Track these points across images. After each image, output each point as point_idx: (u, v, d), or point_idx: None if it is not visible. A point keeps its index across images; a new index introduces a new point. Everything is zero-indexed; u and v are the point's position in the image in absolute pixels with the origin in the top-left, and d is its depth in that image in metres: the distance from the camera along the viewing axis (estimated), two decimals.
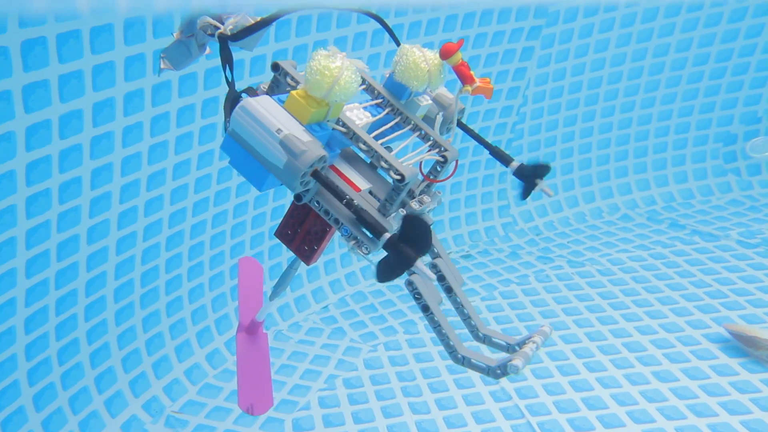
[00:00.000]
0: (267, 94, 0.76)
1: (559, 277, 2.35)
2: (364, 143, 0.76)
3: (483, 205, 2.70)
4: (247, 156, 0.69)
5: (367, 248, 0.72)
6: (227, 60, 0.81)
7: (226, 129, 0.72)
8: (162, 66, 0.89)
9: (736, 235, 2.43)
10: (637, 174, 2.83)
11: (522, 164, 0.90)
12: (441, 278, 0.85)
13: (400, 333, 2.10)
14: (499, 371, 0.75)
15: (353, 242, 0.73)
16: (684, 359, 1.86)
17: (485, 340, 0.83)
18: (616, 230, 2.63)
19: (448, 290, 0.84)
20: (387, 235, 0.68)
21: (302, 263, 0.85)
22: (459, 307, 0.85)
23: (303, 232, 0.83)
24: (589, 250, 2.50)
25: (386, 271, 0.67)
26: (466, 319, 0.83)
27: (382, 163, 0.75)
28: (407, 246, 0.66)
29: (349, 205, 0.70)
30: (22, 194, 1.30)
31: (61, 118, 1.32)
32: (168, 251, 1.77)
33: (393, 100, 0.86)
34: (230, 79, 0.79)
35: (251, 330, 1.07)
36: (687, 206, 2.74)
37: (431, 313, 0.78)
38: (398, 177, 0.74)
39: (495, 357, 0.77)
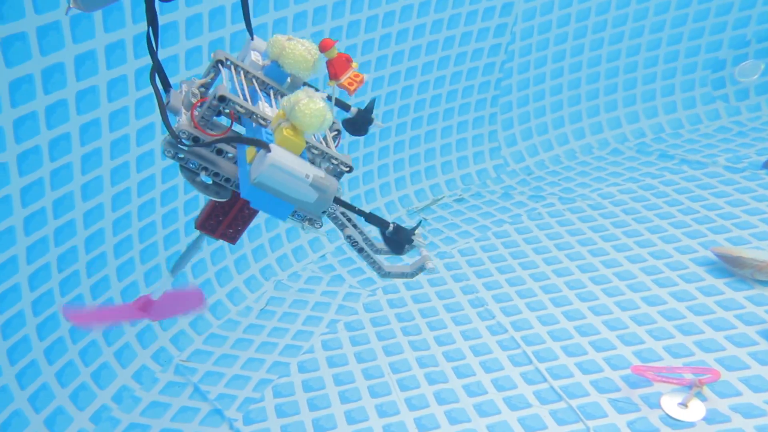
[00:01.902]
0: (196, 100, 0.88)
1: (551, 214, 2.39)
2: (316, 149, 0.90)
3: (474, 148, 2.70)
4: (271, 197, 0.82)
5: (319, 224, 0.92)
6: (152, 21, 0.87)
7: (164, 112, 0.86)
8: (71, 5, 0.84)
9: (724, 161, 2.45)
10: (626, 107, 2.81)
11: (359, 108, 1.06)
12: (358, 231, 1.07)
13: None
14: (417, 271, 1.04)
15: (306, 222, 0.91)
16: (672, 283, 1.92)
17: (388, 275, 1.06)
18: (606, 165, 2.65)
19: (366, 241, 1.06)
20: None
21: (204, 243, 1.04)
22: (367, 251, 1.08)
23: (229, 218, 0.99)
24: (580, 186, 2.52)
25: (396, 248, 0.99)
26: (373, 261, 1.05)
27: (333, 161, 0.90)
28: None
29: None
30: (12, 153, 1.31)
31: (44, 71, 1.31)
32: (163, 207, 1.79)
33: (278, 86, 0.97)
34: (155, 50, 0.87)
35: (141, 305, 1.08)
36: (676, 136, 2.75)
37: (365, 251, 1.02)
38: (347, 169, 0.92)
39: (408, 265, 1.05)
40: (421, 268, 1.03)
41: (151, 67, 0.89)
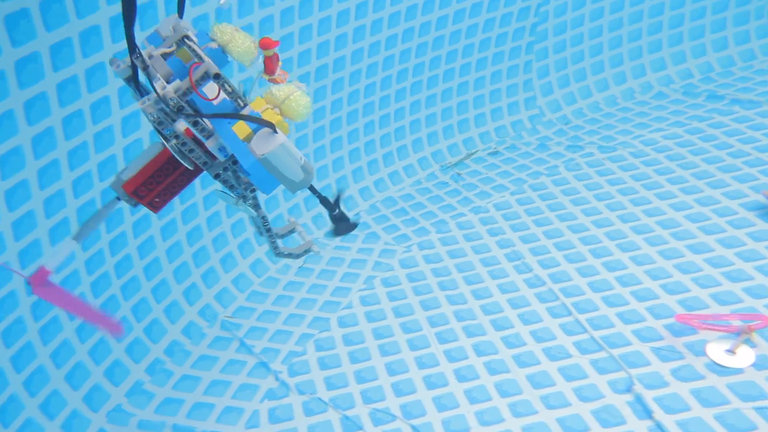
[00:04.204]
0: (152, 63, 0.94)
1: (590, 164, 2.31)
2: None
3: (508, 99, 2.62)
4: (265, 172, 0.94)
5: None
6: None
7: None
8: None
9: None
10: (671, 47, 2.64)
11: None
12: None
13: (432, 233, 2.15)
14: (302, 254, 1.29)
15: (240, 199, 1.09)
16: (719, 230, 1.84)
17: (281, 254, 1.27)
18: (649, 110, 2.52)
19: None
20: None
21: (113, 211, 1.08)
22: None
23: (161, 187, 1.05)
24: (621, 134, 2.42)
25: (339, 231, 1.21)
26: (274, 241, 1.25)
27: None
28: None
29: None
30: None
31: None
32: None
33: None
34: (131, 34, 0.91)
35: (43, 281, 1.04)
36: (726, 75, 2.58)
37: (271, 231, 1.21)
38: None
39: (296, 248, 1.29)
40: (307, 251, 1.29)
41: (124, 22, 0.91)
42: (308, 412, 1.53)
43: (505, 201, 2.24)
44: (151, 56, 0.94)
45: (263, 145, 0.92)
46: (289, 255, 1.29)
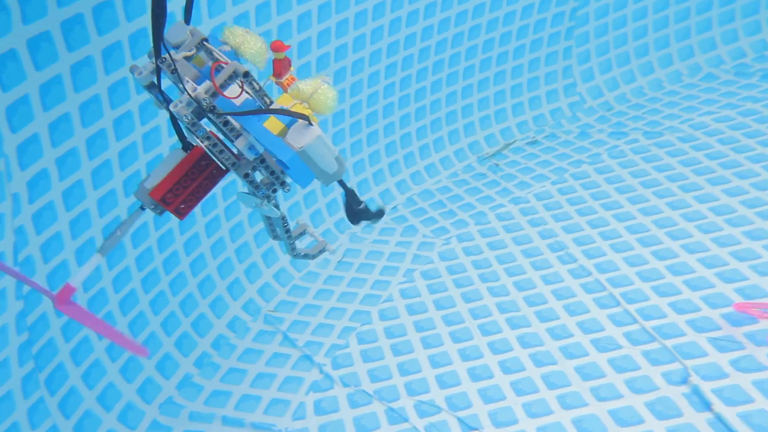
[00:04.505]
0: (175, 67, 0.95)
1: (635, 150, 2.23)
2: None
3: (547, 87, 2.55)
4: (303, 165, 0.95)
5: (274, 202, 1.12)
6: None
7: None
8: None
9: None
10: (722, 25, 2.52)
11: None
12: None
13: (471, 225, 2.12)
14: (318, 253, 1.32)
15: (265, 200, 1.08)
16: None
17: (297, 255, 1.31)
18: (698, 93, 2.42)
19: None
20: None
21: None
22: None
23: (187, 192, 1.05)
24: (668, 119, 2.33)
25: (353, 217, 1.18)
26: (293, 243, 1.28)
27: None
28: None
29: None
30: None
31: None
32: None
33: None
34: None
35: (68, 298, 1.01)
36: None
37: (290, 232, 1.23)
38: None
39: (311, 248, 1.33)
40: (322, 251, 1.33)
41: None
42: (353, 404, 1.53)
43: (545, 191, 2.18)
44: (174, 61, 0.96)
45: (300, 138, 0.93)
46: (306, 255, 1.30)
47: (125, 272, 1.52)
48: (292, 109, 0.95)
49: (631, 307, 1.62)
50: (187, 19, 1.01)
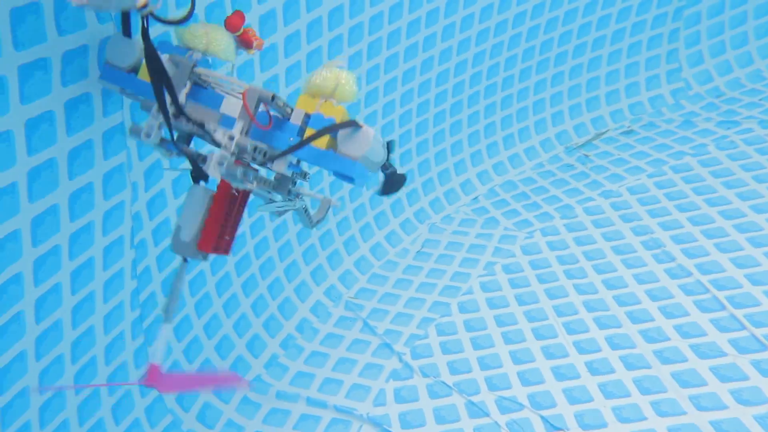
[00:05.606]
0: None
1: (748, 141, 2.03)
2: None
3: (647, 72, 2.38)
4: (362, 168, 0.91)
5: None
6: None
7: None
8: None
9: None
10: None
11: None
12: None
13: (557, 218, 2.04)
14: (325, 213, 1.17)
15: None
16: None
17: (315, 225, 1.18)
18: None
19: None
20: None
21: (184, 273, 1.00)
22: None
23: (229, 230, 0.98)
24: None
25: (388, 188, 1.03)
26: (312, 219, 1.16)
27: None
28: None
29: None
30: None
31: None
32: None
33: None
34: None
35: (159, 377, 0.96)
36: None
37: (308, 210, 1.12)
38: None
39: (318, 210, 1.16)
40: (329, 208, 1.17)
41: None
42: (433, 395, 1.54)
43: (641, 184, 2.05)
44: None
45: (358, 145, 0.88)
46: (319, 221, 1.19)
47: (201, 276, 1.60)
48: (323, 110, 0.90)
49: (739, 312, 1.49)
50: (126, 30, 0.95)
